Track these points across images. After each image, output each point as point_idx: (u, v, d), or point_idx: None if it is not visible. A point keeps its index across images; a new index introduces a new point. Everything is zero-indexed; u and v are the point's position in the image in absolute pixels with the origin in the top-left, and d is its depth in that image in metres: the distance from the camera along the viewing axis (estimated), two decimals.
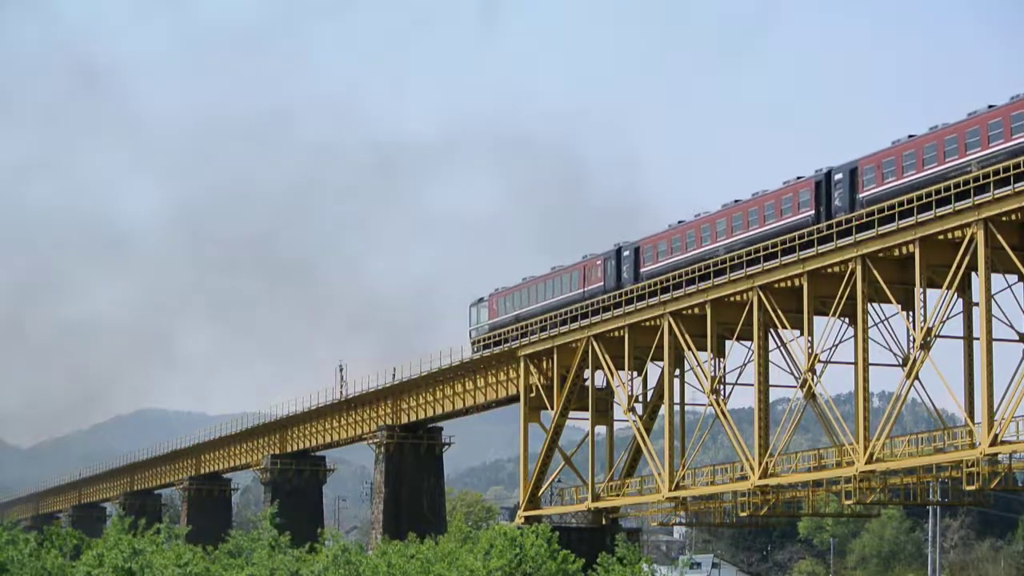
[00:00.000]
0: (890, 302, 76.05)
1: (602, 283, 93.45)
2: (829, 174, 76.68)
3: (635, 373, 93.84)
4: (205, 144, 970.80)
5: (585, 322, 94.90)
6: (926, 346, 71.96)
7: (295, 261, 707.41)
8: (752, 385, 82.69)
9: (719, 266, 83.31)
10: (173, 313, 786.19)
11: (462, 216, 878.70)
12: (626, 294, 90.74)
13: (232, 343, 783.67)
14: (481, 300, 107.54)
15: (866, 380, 75.28)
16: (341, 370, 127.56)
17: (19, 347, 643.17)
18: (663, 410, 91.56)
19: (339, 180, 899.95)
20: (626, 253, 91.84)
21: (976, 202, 68.12)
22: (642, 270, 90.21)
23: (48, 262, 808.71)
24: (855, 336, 76.31)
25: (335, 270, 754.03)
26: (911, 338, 74.35)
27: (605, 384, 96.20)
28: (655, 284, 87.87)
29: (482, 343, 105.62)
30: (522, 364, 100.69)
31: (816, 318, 79.16)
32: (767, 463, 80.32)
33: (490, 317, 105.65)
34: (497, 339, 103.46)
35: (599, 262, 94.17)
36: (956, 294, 72.45)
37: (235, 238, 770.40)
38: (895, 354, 78.64)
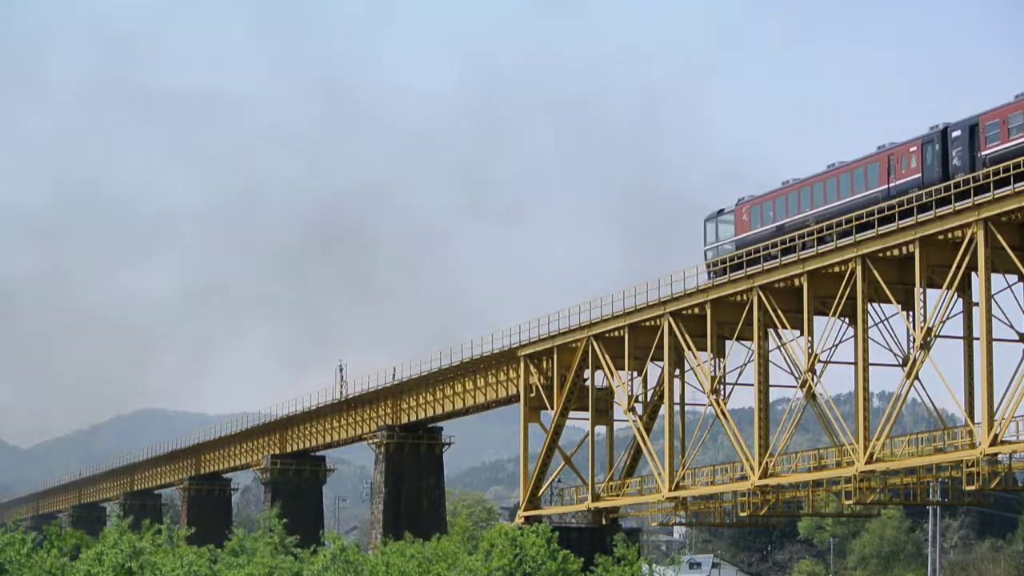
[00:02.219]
0: (890, 302, 76.02)
1: (919, 175, 72.81)
2: None
3: (635, 373, 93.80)
4: (261, 127, 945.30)
5: (585, 322, 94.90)
6: (926, 346, 71.91)
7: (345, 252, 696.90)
8: (752, 385, 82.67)
9: (722, 266, 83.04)
10: (204, 309, 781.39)
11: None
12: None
13: (266, 343, 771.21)
14: (722, 212, 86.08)
15: (866, 380, 75.25)
16: (341, 370, 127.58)
17: (20, 346, 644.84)
18: (663, 410, 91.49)
19: (405, 166, 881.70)
20: (956, 133, 70.95)
21: (976, 202, 68.09)
22: (983, 153, 69.26)
23: (58, 254, 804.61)
24: (855, 336, 76.28)
25: (397, 267, 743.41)
26: (911, 338, 74.31)
27: (605, 384, 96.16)
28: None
29: (726, 264, 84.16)
30: (522, 364, 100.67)
31: (816, 318, 79.13)
32: (767, 463, 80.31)
33: (738, 232, 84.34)
34: (748, 258, 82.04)
35: (913, 148, 73.42)
36: (956, 294, 72.39)
37: (276, 230, 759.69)
38: (895, 354, 78.61)
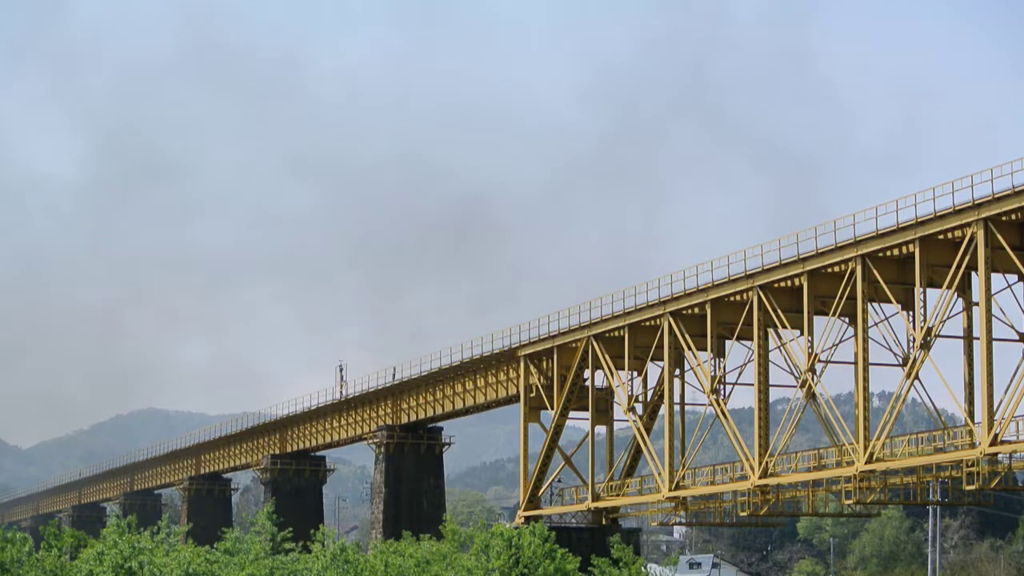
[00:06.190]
0: (890, 302, 76.00)
1: None
2: None
3: (635, 373, 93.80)
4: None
5: (585, 322, 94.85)
6: (926, 346, 71.90)
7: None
8: (752, 385, 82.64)
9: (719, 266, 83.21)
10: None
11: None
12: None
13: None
14: None
15: (866, 380, 75.21)
16: (341, 370, 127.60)
17: (22, 346, 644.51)
18: (663, 410, 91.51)
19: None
20: None
21: (976, 202, 68.09)
22: None
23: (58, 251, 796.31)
24: (855, 336, 76.25)
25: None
26: (911, 338, 74.30)
27: (605, 384, 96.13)
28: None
29: None
30: (522, 364, 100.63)
31: (816, 318, 79.10)
32: (767, 463, 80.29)
33: None
34: None
35: None
36: (956, 294, 72.38)
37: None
38: (895, 354, 78.51)
